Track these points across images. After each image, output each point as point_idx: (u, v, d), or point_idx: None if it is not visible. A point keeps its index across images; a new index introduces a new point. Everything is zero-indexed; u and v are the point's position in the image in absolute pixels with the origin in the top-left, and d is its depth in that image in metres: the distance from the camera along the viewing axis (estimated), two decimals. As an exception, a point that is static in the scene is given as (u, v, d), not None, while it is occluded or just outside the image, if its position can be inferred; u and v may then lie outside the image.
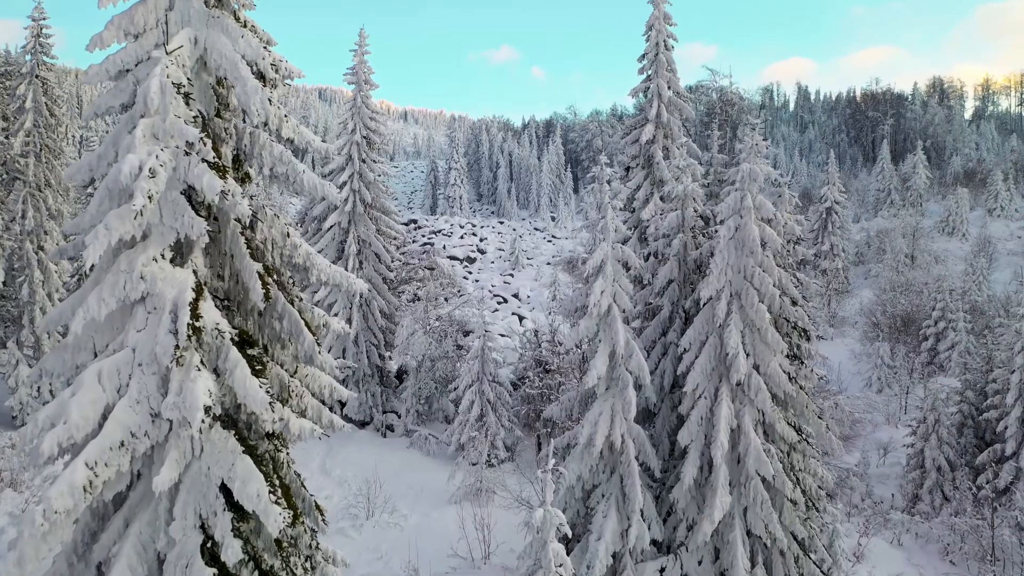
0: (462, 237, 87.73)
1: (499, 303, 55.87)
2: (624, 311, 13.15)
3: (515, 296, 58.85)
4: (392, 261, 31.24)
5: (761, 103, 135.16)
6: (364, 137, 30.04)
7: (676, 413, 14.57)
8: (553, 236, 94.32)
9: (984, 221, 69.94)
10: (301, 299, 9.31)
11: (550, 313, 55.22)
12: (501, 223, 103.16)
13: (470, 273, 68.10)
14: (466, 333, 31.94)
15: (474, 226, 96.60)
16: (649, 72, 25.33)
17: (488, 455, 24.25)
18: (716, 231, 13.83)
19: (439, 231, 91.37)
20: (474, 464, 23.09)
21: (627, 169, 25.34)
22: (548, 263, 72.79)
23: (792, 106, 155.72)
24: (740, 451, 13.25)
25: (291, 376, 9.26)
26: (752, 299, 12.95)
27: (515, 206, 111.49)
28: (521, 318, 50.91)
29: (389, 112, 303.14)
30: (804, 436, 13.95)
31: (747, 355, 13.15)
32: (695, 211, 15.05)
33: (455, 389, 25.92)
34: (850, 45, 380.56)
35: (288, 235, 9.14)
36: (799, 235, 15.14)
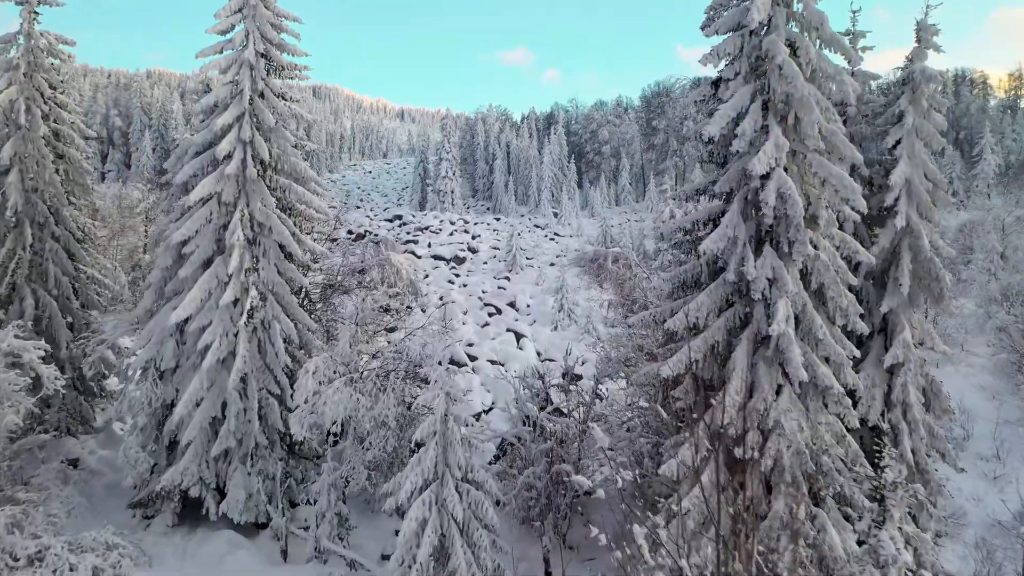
0: (451, 234, 76.24)
1: (491, 314, 43.88)
2: None
3: (511, 305, 46.71)
4: (310, 258, 19.55)
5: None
6: (262, 54, 18.39)
7: None
8: (556, 234, 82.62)
9: (1077, 214, 58.64)
10: None
11: (556, 327, 43.30)
12: (497, 219, 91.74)
13: (457, 276, 56.21)
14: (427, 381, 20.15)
15: (467, 222, 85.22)
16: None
17: (453, 626, 12.66)
18: None
19: (426, 227, 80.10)
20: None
21: (716, 83, 13.62)
22: (551, 264, 61.01)
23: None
24: None
25: None
26: None
27: (513, 201, 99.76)
28: (519, 336, 39.01)
29: (385, 111, 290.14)
30: None
31: None
32: None
33: (398, 489, 14.16)
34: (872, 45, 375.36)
35: None
36: None
